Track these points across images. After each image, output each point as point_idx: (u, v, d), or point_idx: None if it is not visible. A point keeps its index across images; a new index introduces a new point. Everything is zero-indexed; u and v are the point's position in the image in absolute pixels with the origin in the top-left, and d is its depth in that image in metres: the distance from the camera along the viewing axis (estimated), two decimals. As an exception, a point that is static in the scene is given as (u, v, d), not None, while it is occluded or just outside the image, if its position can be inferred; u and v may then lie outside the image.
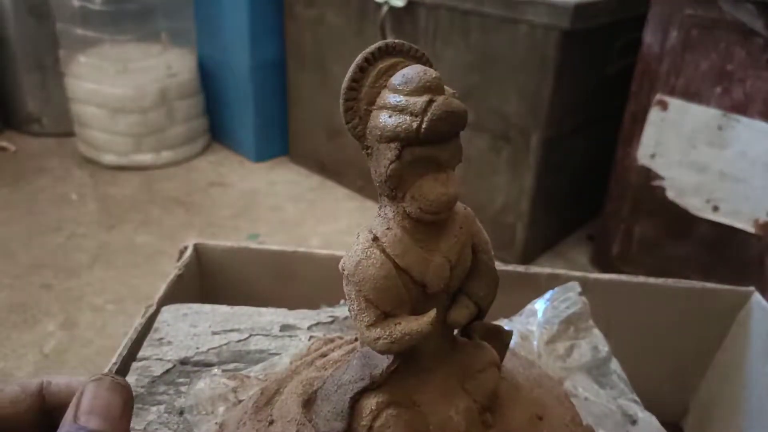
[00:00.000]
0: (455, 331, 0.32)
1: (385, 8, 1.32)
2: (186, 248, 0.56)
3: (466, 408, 0.30)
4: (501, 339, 0.33)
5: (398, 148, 0.26)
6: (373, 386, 0.29)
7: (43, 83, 1.78)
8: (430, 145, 0.26)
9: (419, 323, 0.27)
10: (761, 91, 0.99)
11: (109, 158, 1.67)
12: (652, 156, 1.14)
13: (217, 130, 1.83)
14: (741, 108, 1.02)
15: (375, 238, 0.28)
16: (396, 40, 0.28)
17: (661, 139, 1.12)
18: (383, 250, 0.27)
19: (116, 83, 1.61)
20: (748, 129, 1.02)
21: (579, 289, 0.48)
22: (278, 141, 1.76)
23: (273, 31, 1.61)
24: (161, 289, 0.50)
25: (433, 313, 0.28)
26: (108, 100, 1.62)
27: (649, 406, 0.45)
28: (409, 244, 0.27)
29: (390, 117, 0.26)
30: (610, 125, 1.27)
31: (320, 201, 1.59)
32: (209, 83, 1.76)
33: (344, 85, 0.27)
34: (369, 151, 0.27)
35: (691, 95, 1.07)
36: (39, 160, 1.70)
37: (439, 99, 0.25)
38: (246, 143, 1.76)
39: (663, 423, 0.42)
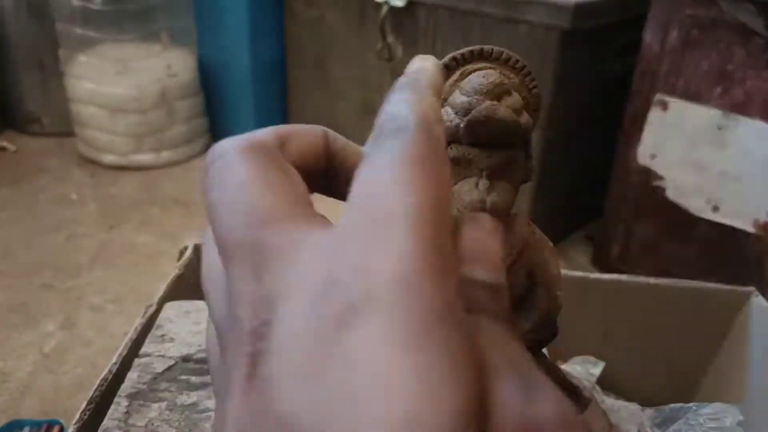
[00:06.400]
0: None
1: (385, 8, 1.32)
2: (186, 248, 0.56)
3: None
4: (577, 398, 0.31)
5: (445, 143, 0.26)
6: None
7: (43, 83, 1.78)
8: (473, 147, 0.26)
9: None
10: (761, 91, 0.99)
11: (109, 158, 1.67)
12: (652, 156, 1.14)
13: (217, 130, 1.83)
14: (741, 108, 1.02)
15: None
16: (494, 47, 0.27)
17: (661, 140, 1.12)
18: None
19: (116, 83, 1.61)
20: (748, 129, 1.02)
21: (741, 417, 0.42)
22: (278, 141, 1.76)
23: (273, 31, 1.61)
24: (161, 289, 0.50)
25: None
26: (108, 100, 1.61)
27: (649, 407, 0.45)
28: None
29: (448, 114, 0.26)
30: (610, 125, 1.27)
31: (320, 201, 1.59)
32: (209, 83, 1.76)
33: None
34: None
35: (691, 95, 1.07)
36: (39, 160, 1.70)
37: (484, 103, 0.25)
38: (246, 143, 1.75)
39: (663, 423, 0.42)
